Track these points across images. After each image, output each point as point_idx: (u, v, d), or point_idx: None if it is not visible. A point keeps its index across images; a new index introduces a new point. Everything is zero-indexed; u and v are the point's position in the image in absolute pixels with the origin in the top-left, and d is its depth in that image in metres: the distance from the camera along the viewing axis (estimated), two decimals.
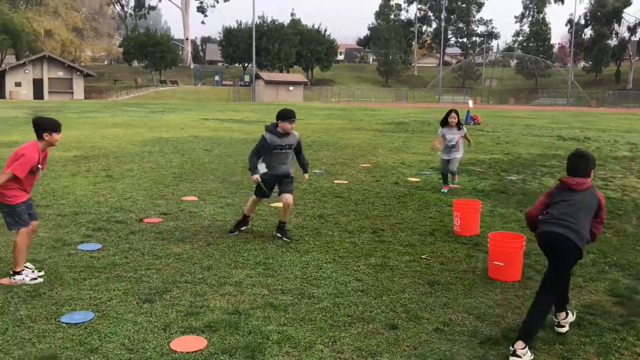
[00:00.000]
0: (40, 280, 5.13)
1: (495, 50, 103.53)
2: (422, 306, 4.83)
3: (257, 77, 65.66)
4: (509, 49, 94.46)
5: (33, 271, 5.22)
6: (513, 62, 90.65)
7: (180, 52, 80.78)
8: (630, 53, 79.12)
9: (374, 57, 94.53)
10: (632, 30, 79.59)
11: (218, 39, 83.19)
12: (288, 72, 77.73)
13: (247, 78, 71.44)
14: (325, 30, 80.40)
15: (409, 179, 11.11)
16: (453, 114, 9.64)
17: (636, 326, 4.53)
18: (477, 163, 13.53)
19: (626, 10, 78.24)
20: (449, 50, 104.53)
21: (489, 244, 5.66)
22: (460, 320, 4.58)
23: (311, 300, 4.88)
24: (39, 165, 5.12)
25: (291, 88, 65.50)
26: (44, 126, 5.10)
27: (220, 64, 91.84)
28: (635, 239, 7.11)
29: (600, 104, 67.62)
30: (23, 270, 5.14)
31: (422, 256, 6.16)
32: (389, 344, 4.13)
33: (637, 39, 79.63)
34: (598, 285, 5.47)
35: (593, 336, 4.33)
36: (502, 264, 5.44)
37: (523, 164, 13.55)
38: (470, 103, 29.70)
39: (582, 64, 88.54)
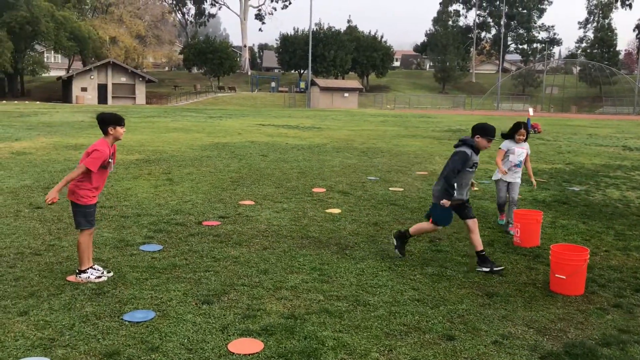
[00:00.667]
0: (104, 279, 5.32)
1: (557, 57, 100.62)
2: (480, 318, 4.73)
3: (313, 83, 66.13)
4: (572, 55, 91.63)
5: (102, 272, 5.40)
6: (576, 69, 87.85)
7: (238, 59, 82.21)
8: None
9: (431, 64, 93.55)
10: None
11: (275, 45, 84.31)
12: (343, 78, 77.90)
13: (302, 84, 72.06)
14: (382, 37, 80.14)
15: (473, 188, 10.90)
16: (522, 130, 7.72)
17: None
18: (538, 173, 13.14)
19: None
20: (508, 57, 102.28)
21: (550, 256, 5.49)
22: (519, 333, 4.46)
23: (366, 307, 4.87)
24: (110, 160, 5.33)
25: (346, 94, 65.58)
26: (108, 121, 5.31)
27: (276, 70, 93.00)
28: None
29: None
30: (88, 269, 5.34)
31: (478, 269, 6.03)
32: (445, 355, 4.07)
33: None
34: None
35: None
36: (564, 277, 5.26)
37: (586, 175, 13.09)
38: (531, 111, 28.92)
39: None
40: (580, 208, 9.26)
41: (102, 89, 60.60)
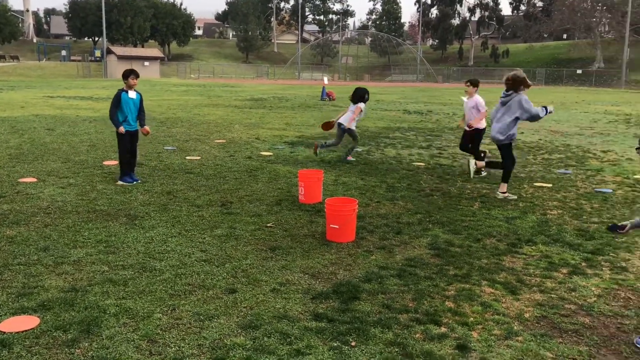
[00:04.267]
0: None
1: (351, 28, 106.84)
2: (262, 270, 5.09)
3: (109, 52, 62.11)
4: (364, 27, 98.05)
5: None
6: (368, 40, 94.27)
7: (20, 25, 73.88)
8: (471, 32, 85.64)
9: (234, 33, 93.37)
10: (471, 10, 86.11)
11: (64, 10, 77.16)
12: (143, 46, 74.37)
13: (98, 53, 67.33)
14: (182, 4, 77.87)
15: (262, 153, 11.36)
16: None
17: (448, 273, 5.16)
18: (329, 137, 14.10)
19: None
20: (307, 27, 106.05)
21: (325, 209, 6.05)
22: (296, 279, 4.91)
23: (152, 273, 4.95)
24: None
25: (147, 63, 62.77)
26: None
27: (67, 38, 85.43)
28: (457, 199, 7.95)
29: (446, 80, 72.73)
30: None
31: (267, 225, 6.43)
32: (227, 306, 4.34)
33: (476, 19, 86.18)
34: (421, 241, 6.09)
35: (411, 284, 4.87)
36: (337, 226, 5.86)
37: (369, 137, 14.38)
38: (325, 79, 30.61)
39: (430, 42, 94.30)
40: (360, 166, 10.22)
41: None
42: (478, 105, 9.64)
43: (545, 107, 7.86)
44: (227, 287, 4.70)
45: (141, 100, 8.36)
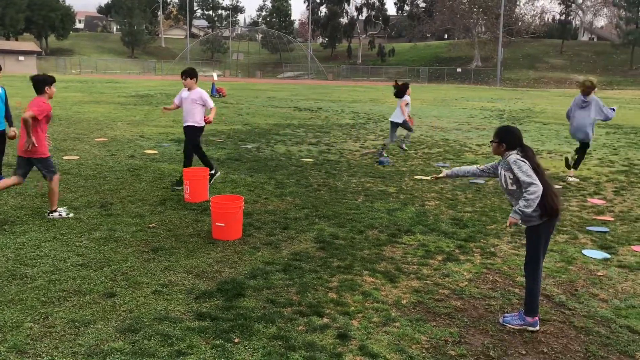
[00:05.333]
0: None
1: (242, 24, 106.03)
2: (143, 272, 4.95)
3: None
4: (254, 23, 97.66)
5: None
6: (259, 37, 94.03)
7: None
8: (359, 31, 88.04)
9: (118, 27, 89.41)
10: (359, 10, 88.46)
11: None
12: (17, 39, 69.27)
13: None
14: None
15: (146, 151, 11.00)
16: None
17: (331, 265, 5.29)
18: (217, 134, 13.95)
19: None
20: (196, 22, 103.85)
21: (211, 207, 5.98)
22: (179, 280, 4.82)
23: (23, 280, 4.65)
24: None
25: (21, 58, 58.58)
26: None
27: None
28: (343, 194, 8.17)
29: (336, 77, 74.23)
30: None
31: (149, 225, 6.25)
32: (104, 311, 4.17)
33: (363, 18, 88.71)
34: (307, 235, 6.19)
35: (296, 278, 4.95)
36: (223, 224, 5.82)
37: (260, 134, 14.38)
38: (215, 76, 30.16)
39: (320, 40, 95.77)
40: (250, 163, 10.20)
41: None
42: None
43: (613, 108, 9.76)
44: (105, 291, 4.52)
45: (6, 96, 7.65)
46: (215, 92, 27.64)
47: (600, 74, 65.09)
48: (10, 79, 37.62)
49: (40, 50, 66.20)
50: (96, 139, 12.24)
